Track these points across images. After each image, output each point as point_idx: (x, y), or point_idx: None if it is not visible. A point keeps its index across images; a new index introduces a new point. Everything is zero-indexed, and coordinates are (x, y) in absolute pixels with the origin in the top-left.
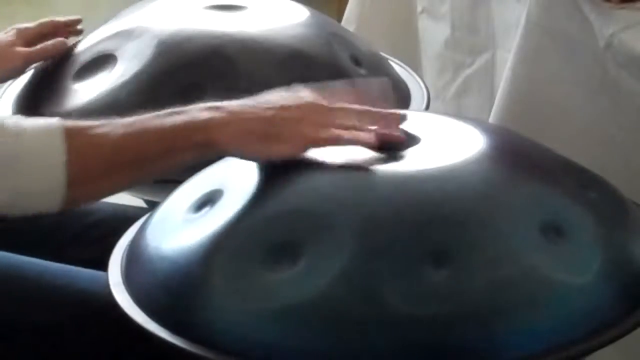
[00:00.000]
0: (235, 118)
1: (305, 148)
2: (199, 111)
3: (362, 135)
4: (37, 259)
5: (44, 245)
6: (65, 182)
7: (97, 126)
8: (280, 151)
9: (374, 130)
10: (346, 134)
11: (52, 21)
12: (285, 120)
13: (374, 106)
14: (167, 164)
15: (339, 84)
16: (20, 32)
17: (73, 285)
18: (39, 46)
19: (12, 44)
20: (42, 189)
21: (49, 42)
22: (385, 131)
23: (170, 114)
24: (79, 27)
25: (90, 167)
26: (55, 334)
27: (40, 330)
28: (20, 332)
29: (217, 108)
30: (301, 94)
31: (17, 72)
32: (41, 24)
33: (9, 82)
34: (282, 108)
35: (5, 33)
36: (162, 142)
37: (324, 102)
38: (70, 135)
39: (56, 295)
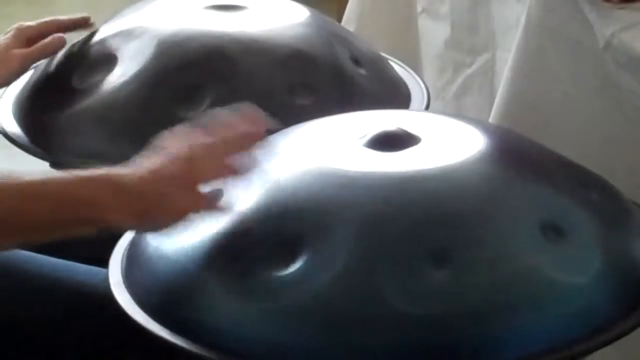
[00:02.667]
0: (125, 199)
1: (185, 218)
2: (95, 186)
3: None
4: (37, 253)
5: (44, 242)
6: None
7: None
8: (162, 226)
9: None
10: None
11: (54, 20)
12: (165, 195)
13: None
14: (56, 233)
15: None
16: (20, 31)
17: (72, 278)
18: (36, 45)
19: (8, 46)
20: None
21: (47, 40)
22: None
23: (69, 184)
24: (88, 21)
25: None
26: (55, 326)
27: (40, 322)
28: (20, 325)
29: (113, 185)
30: (190, 152)
31: (15, 75)
32: (43, 24)
33: None
34: (163, 180)
35: (5, 34)
36: (52, 213)
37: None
38: None
39: (56, 288)
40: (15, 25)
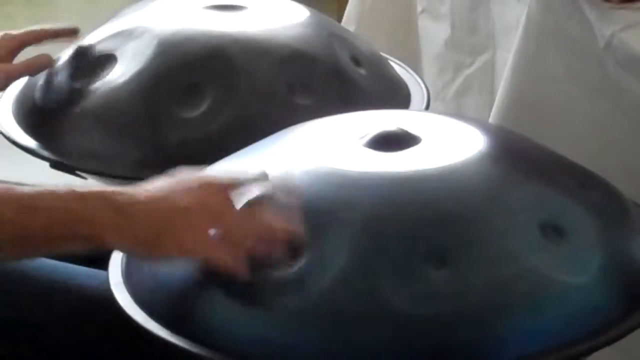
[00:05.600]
0: (125, 220)
1: (186, 258)
2: (94, 203)
3: (232, 265)
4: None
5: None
6: None
7: None
8: (163, 256)
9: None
10: (222, 260)
11: (40, 30)
12: (172, 227)
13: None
14: (51, 248)
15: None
16: (3, 42)
17: (72, 280)
18: (22, 62)
19: None
20: None
21: (33, 58)
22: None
23: (67, 199)
24: (75, 32)
25: None
26: (55, 329)
27: (39, 325)
28: (20, 327)
29: (111, 204)
30: (206, 192)
31: None
32: (27, 33)
33: None
34: (174, 210)
35: None
36: (48, 227)
37: (224, 204)
38: None
39: (55, 291)
40: (2, 32)
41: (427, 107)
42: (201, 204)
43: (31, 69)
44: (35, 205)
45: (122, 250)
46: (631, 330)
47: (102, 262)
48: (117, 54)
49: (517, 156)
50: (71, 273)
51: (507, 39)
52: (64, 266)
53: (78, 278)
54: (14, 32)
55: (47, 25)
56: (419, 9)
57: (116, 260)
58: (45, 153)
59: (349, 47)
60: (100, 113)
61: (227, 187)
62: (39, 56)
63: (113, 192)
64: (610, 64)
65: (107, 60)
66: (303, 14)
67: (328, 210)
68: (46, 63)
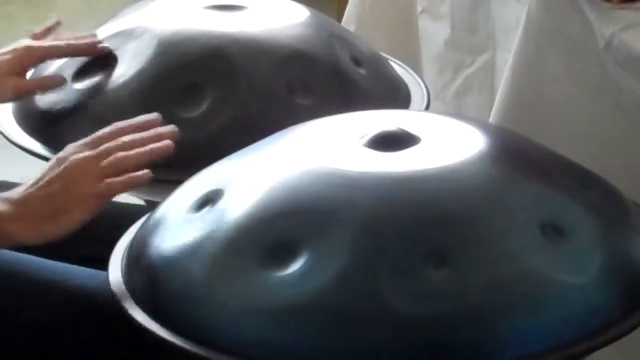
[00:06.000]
0: (19, 207)
1: (94, 207)
2: None
3: (136, 177)
4: (34, 256)
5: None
6: None
7: None
8: (72, 222)
9: (145, 153)
10: (120, 180)
11: (61, 46)
12: (60, 192)
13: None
14: None
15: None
16: (27, 54)
17: (70, 281)
18: (35, 80)
19: (6, 69)
20: None
21: (47, 76)
22: (156, 146)
23: None
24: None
25: None
26: (54, 330)
27: (38, 326)
28: (18, 328)
29: (7, 201)
30: (65, 156)
31: (5, 101)
32: (49, 47)
33: None
34: (53, 181)
35: (9, 50)
36: None
37: (89, 153)
38: None
39: (54, 292)
40: (25, 44)
41: (427, 107)
42: (71, 164)
43: (42, 87)
44: None
45: (29, 238)
46: (631, 330)
47: (102, 262)
48: (117, 54)
49: (517, 156)
50: (71, 273)
51: (507, 39)
52: (64, 266)
53: (78, 278)
54: (35, 44)
55: (68, 39)
56: (419, 9)
57: (116, 260)
58: (45, 153)
59: (349, 47)
60: (100, 113)
61: (81, 146)
62: (52, 76)
63: (5, 194)
64: (610, 64)
65: (107, 60)
66: (303, 14)
67: (328, 210)
68: (59, 83)
